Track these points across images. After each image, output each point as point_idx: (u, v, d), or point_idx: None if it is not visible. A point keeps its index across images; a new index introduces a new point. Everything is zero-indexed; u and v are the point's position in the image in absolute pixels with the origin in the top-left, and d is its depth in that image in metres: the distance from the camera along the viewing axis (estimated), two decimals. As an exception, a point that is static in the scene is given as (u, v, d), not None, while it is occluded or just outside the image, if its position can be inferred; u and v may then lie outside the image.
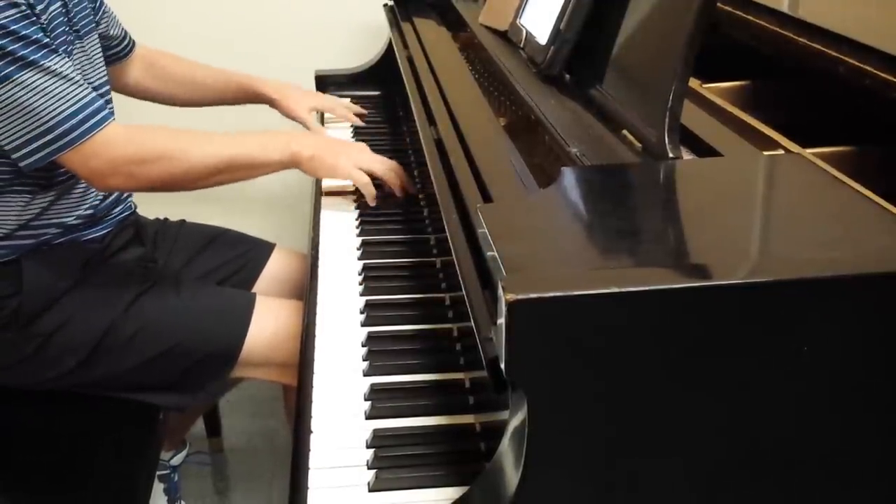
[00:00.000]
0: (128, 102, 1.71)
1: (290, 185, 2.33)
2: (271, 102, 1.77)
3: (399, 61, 1.65)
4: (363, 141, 1.74)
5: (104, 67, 1.49)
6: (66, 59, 1.25)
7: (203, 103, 1.78)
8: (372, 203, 1.44)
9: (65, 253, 1.36)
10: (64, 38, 1.32)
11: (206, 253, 1.58)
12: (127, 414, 1.39)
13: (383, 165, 1.44)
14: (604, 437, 0.70)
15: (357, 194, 1.51)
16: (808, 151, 0.97)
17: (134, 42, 1.67)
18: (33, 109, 1.20)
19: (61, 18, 1.32)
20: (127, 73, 1.67)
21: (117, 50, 1.62)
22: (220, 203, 2.21)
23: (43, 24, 1.24)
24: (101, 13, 1.54)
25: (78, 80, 1.24)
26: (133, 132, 1.29)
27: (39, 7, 1.24)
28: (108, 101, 1.49)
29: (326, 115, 1.88)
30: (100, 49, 1.48)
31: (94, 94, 1.25)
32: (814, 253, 0.73)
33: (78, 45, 1.39)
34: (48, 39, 1.23)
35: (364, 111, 1.86)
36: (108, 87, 1.49)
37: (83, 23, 1.41)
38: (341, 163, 1.41)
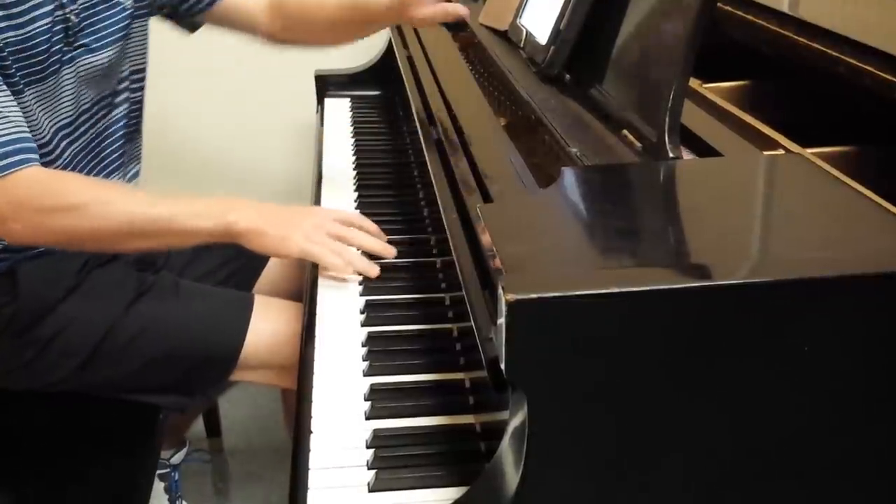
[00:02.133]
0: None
1: (290, 186, 2.33)
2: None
3: (399, 61, 1.65)
4: (364, 138, 1.74)
5: (135, 64, 1.44)
6: (7, 96, 1.19)
7: (340, 41, 1.58)
8: (346, 273, 1.24)
9: (61, 258, 1.35)
10: (58, 56, 1.27)
11: (205, 254, 1.58)
12: (127, 414, 1.39)
13: (340, 246, 1.23)
14: (604, 436, 0.70)
15: (358, 191, 1.51)
16: (809, 151, 0.97)
17: None
18: None
19: (46, 36, 1.25)
20: (256, 27, 1.54)
21: (190, 4, 1.51)
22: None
23: (3, 40, 1.20)
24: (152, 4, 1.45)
25: (7, 117, 1.17)
26: (48, 179, 1.20)
27: (7, 24, 1.19)
28: (129, 96, 1.45)
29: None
30: (138, 48, 1.43)
31: (21, 134, 1.18)
32: (814, 253, 0.73)
33: (88, 58, 1.33)
34: None
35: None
36: (128, 83, 1.44)
37: (103, 33, 1.35)
38: (292, 239, 1.22)
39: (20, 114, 1.21)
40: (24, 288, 1.30)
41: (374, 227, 1.29)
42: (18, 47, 1.23)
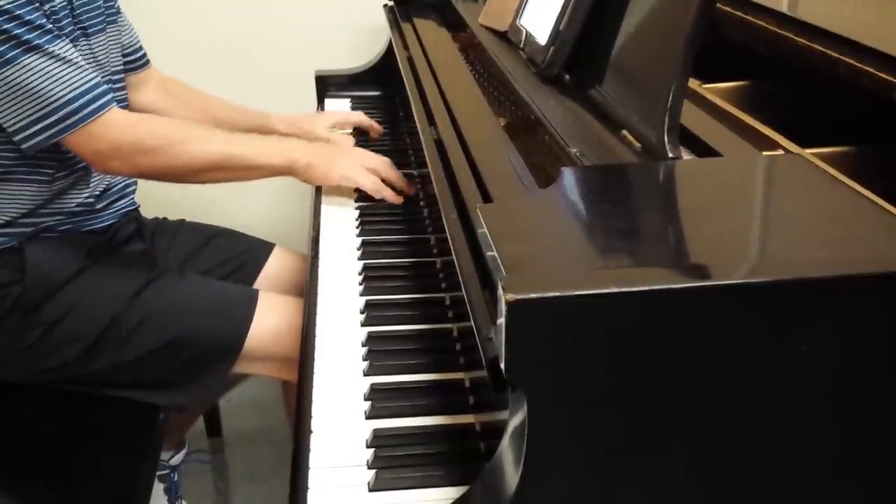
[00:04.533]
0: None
1: (291, 185, 2.33)
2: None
3: (399, 62, 1.65)
4: (365, 142, 1.75)
5: (115, 68, 1.49)
6: (70, 45, 1.27)
7: None
8: (378, 196, 1.44)
9: (68, 241, 1.38)
10: (69, 30, 1.33)
11: (205, 252, 1.58)
12: (127, 414, 1.39)
13: (373, 175, 1.43)
14: (604, 436, 0.70)
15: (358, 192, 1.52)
16: (808, 152, 0.97)
17: (148, 61, 1.67)
18: (37, 92, 1.23)
19: (65, 12, 1.33)
20: (141, 92, 1.67)
21: (127, 60, 1.61)
22: (219, 202, 2.21)
23: (46, 11, 1.26)
24: (115, 16, 1.53)
25: (81, 65, 1.27)
26: (137, 119, 1.35)
27: None
28: (122, 101, 1.49)
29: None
30: (113, 50, 1.48)
31: (97, 78, 1.28)
32: (813, 253, 0.73)
33: (83, 42, 1.39)
34: (51, 25, 1.26)
35: (378, 128, 1.80)
36: (119, 86, 1.49)
37: (91, 22, 1.41)
38: (334, 170, 1.43)
39: (83, 57, 1.30)
40: (31, 267, 1.32)
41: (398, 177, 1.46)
42: (54, 17, 1.30)
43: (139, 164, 1.33)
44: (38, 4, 1.24)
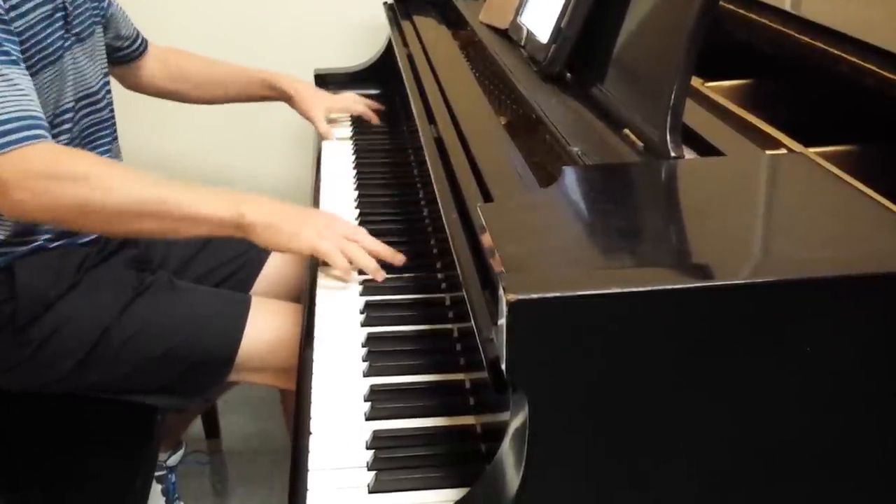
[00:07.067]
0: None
1: (289, 186, 2.33)
2: (288, 99, 1.75)
3: (399, 60, 1.65)
4: (363, 137, 1.74)
5: (105, 65, 1.48)
6: (23, 72, 1.20)
7: (218, 101, 1.77)
8: (347, 279, 1.24)
9: (59, 256, 1.35)
10: (61, 42, 1.30)
11: (203, 255, 1.57)
12: (124, 415, 1.38)
13: (350, 246, 1.22)
14: (605, 437, 0.70)
15: (358, 190, 1.51)
16: (811, 150, 0.97)
17: (146, 42, 1.66)
18: None
19: (48, 22, 1.29)
20: (140, 71, 1.66)
21: (129, 51, 1.61)
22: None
23: (15, 29, 1.21)
24: (109, 13, 1.52)
25: (26, 93, 1.18)
26: (59, 151, 1.22)
27: (14, 14, 1.22)
28: (108, 96, 1.48)
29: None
30: (103, 48, 1.47)
31: (38, 112, 1.18)
32: (816, 252, 0.73)
33: (78, 47, 1.37)
34: (12, 48, 1.19)
35: (380, 106, 1.84)
36: (106, 81, 1.48)
37: (85, 24, 1.39)
38: (304, 234, 1.21)
39: (34, 92, 1.22)
40: (22, 285, 1.30)
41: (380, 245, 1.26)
42: (29, 34, 1.25)
43: (44, 197, 1.15)
44: (3, 25, 1.18)
